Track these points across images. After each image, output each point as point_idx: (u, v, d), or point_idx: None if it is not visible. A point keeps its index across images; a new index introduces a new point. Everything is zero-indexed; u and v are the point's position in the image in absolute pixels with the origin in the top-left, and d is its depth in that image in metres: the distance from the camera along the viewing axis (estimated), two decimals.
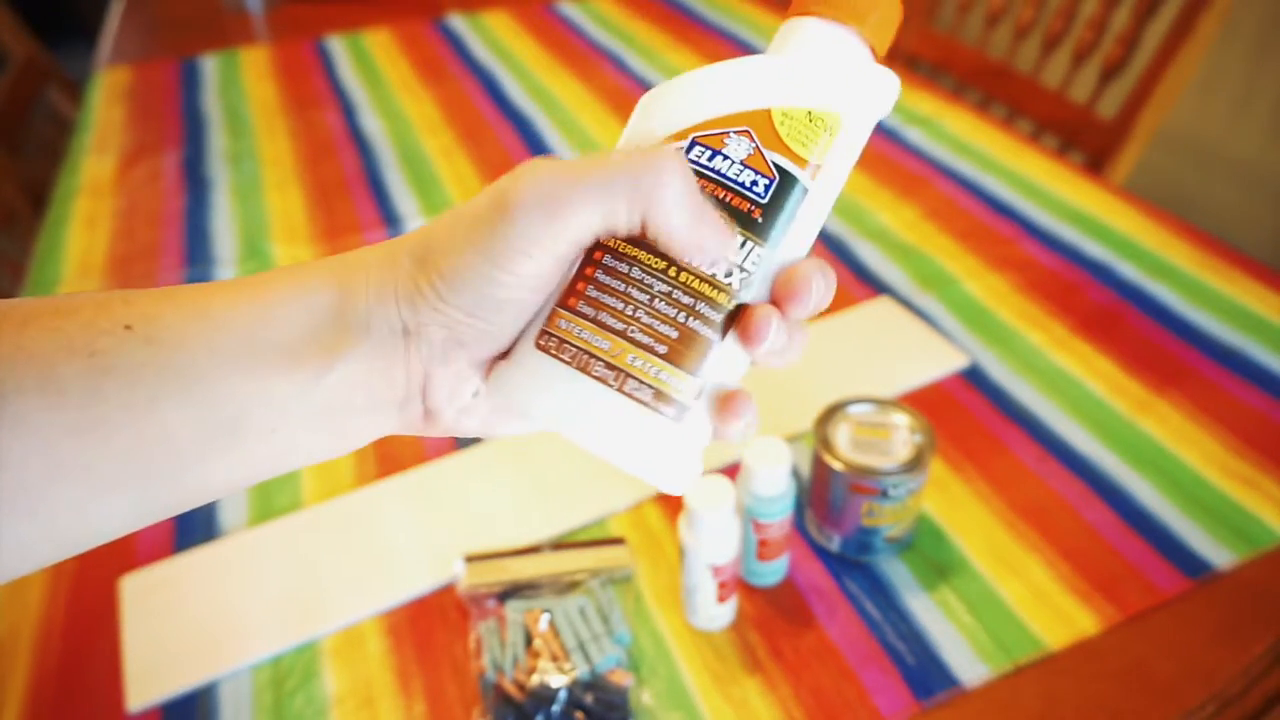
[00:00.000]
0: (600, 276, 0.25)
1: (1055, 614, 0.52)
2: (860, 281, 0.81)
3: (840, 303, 0.78)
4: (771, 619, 0.53)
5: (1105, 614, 0.52)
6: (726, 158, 0.25)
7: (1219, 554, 0.55)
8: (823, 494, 0.54)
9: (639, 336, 0.24)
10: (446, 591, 0.55)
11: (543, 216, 0.24)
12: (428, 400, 0.27)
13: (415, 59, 1.32)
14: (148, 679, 0.51)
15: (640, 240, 0.25)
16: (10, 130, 1.30)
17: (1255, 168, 1.60)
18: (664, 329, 0.24)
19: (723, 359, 0.25)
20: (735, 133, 0.26)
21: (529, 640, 0.51)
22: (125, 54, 1.41)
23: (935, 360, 0.71)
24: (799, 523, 0.58)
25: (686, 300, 0.25)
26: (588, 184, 0.24)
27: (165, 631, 0.54)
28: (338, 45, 1.38)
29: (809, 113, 0.25)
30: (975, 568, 0.55)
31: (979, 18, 1.68)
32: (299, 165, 1.06)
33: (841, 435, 0.53)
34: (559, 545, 0.56)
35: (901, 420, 0.54)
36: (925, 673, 0.50)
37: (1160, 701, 0.48)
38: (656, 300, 0.25)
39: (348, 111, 1.18)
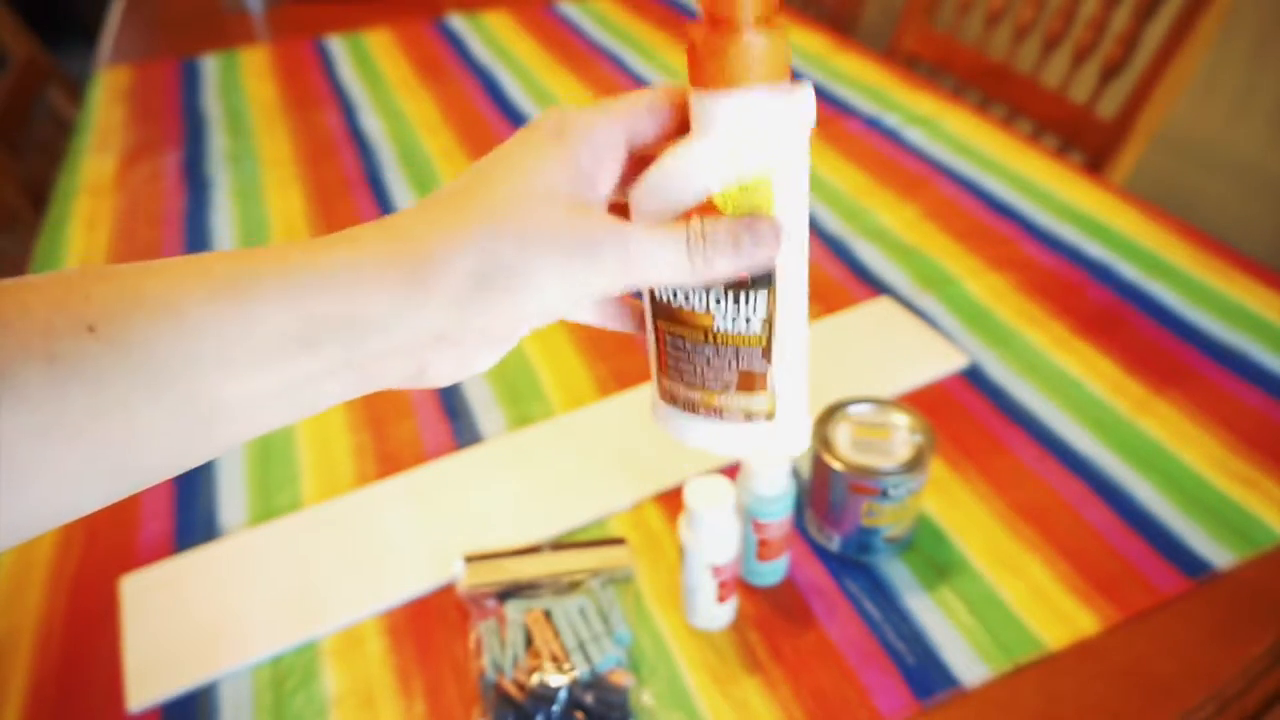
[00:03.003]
0: (668, 349, 0.31)
1: (1055, 614, 0.52)
2: (860, 281, 0.81)
3: (840, 303, 0.78)
4: (771, 619, 0.53)
5: (1105, 614, 0.52)
6: None
7: (1219, 554, 0.55)
8: (823, 494, 0.54)
9: (713, 385, 0.31)
10: (446, 591, 0.55)
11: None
12: (423, 379, 0.27)
13: (415, 59, 1.32)
14: (148, 679, 0.51)
15: (678, 315, 0.30)
16: (10, 130, 1.30)
17: (1255, 168, 1.60)
18: (727, 375, 0.30)
19: (782, 365, 0.30)
20: None
21: (529, 640, 0.51)
22: (125, 54, 1.41)
23: (935, 360, 0.71)
24: (799, 523, 0.58)
25: (729, 354, 0.30)
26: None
27: (165, 631, 0.54)
28: (338, 45, 1.38)
29: (740, 185, 0.27)
30: (975, 568, 0.55)
31: (979, 18, 1.68)
32: (299, 165, 1.06)
33: (841, 435, 0.53)
34: (559, 545, 0.56)
35: (901, 420, 0.54)
36: (925, 673, 0.50)
37: (1160, 701, 0.48)
38: (712, 359, 0.30)
39: (348, 111, 1.18)
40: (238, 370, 0.23)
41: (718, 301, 0.29)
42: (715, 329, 0.29)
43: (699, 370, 0.30)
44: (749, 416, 0.31)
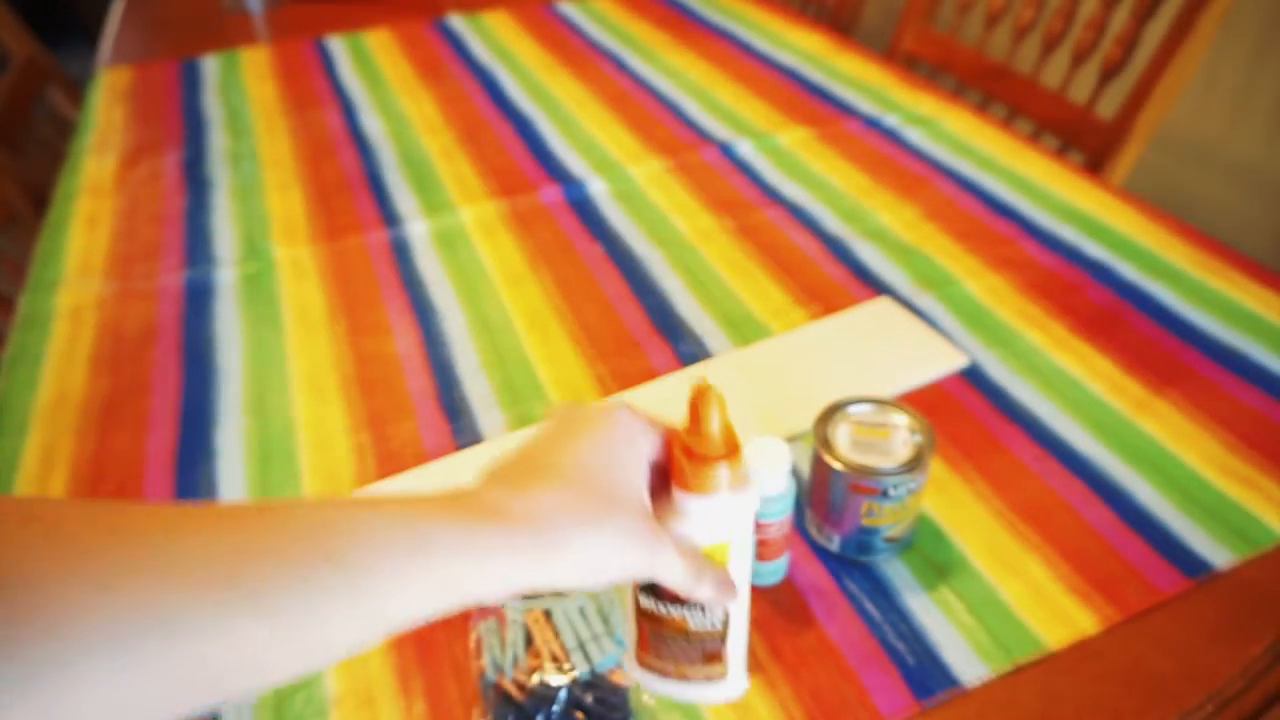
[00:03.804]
0: (650, 638, 0.41)
1: (1055, 614, 0.52)
2: (860, 281, 0.81)
3: (840, 303, 0.78)
4: (771, 619, 0.53)
5: (1105, 614, 0.52)
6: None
7: (1218, 554, 0.55)
8: (823, 494, 0.54)
9: (684, 661, 0.41)
10: None
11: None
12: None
13: (415, 59, 1.33)
14: None
15: (663, 620, 0.40)
16: (10, 130, 1.30)
17: (1255, 168, 1.60)
18: (695, 655, 0.41)
19: (734, 643, 0.41)
20: None
21: (529, 640, 0.51)
22: (125, 54, 1.41)
23: (935, 360, 0.71)
24: (799, 523, 0.58)
25: (699, 642, 0.41)
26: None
27: None
28: (338, 45, 1.38)
29: (710, 547, 0.39)
30: (975, 568, 0.55)
31: (979, 18, 1.68)
32: (299, 165, 1.06)
33: (841, 435, 0.53)
34: None
35: (901, 420, 0.54)
36: (925, 673, 0.50)
37: (1160, 701, 0.48)
38: (684, 645, 0.41)
39: (348, 111, 1.18)
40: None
41: (690, 611, 0.40)
42: (689, 629, 0.40)
43: (674, 652, 0.41)
44: (708, 679, 0.42)
